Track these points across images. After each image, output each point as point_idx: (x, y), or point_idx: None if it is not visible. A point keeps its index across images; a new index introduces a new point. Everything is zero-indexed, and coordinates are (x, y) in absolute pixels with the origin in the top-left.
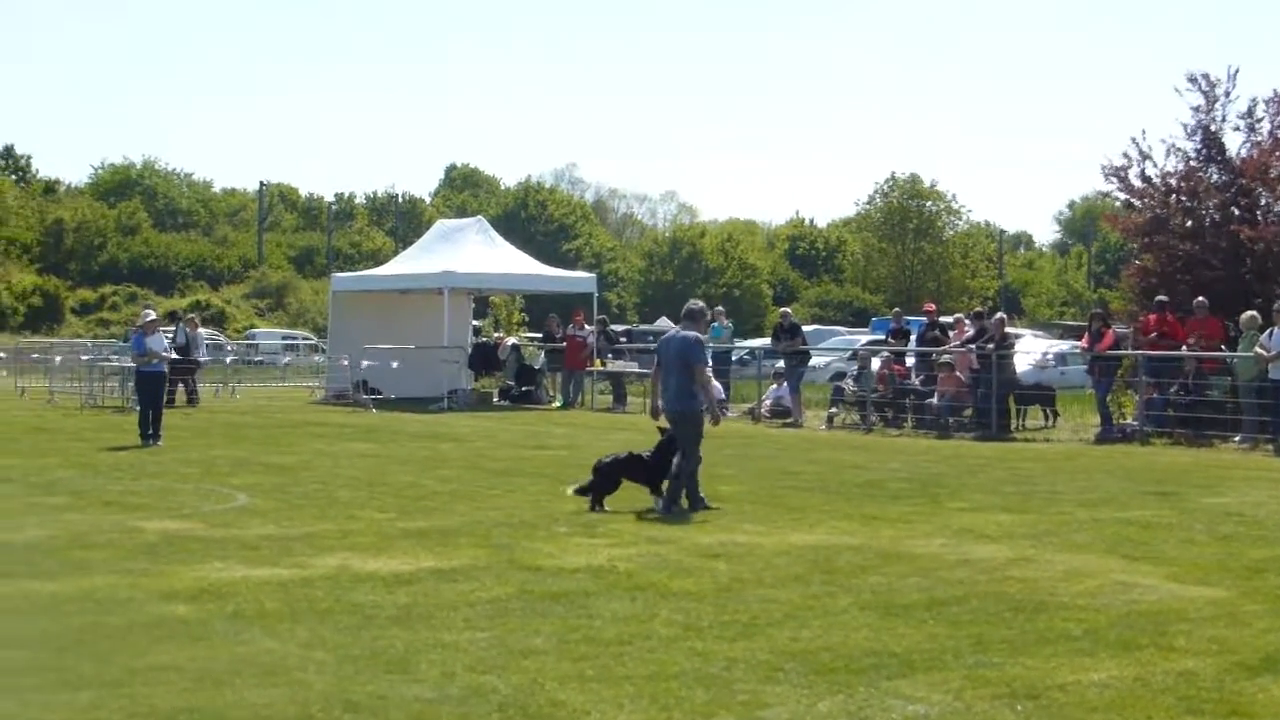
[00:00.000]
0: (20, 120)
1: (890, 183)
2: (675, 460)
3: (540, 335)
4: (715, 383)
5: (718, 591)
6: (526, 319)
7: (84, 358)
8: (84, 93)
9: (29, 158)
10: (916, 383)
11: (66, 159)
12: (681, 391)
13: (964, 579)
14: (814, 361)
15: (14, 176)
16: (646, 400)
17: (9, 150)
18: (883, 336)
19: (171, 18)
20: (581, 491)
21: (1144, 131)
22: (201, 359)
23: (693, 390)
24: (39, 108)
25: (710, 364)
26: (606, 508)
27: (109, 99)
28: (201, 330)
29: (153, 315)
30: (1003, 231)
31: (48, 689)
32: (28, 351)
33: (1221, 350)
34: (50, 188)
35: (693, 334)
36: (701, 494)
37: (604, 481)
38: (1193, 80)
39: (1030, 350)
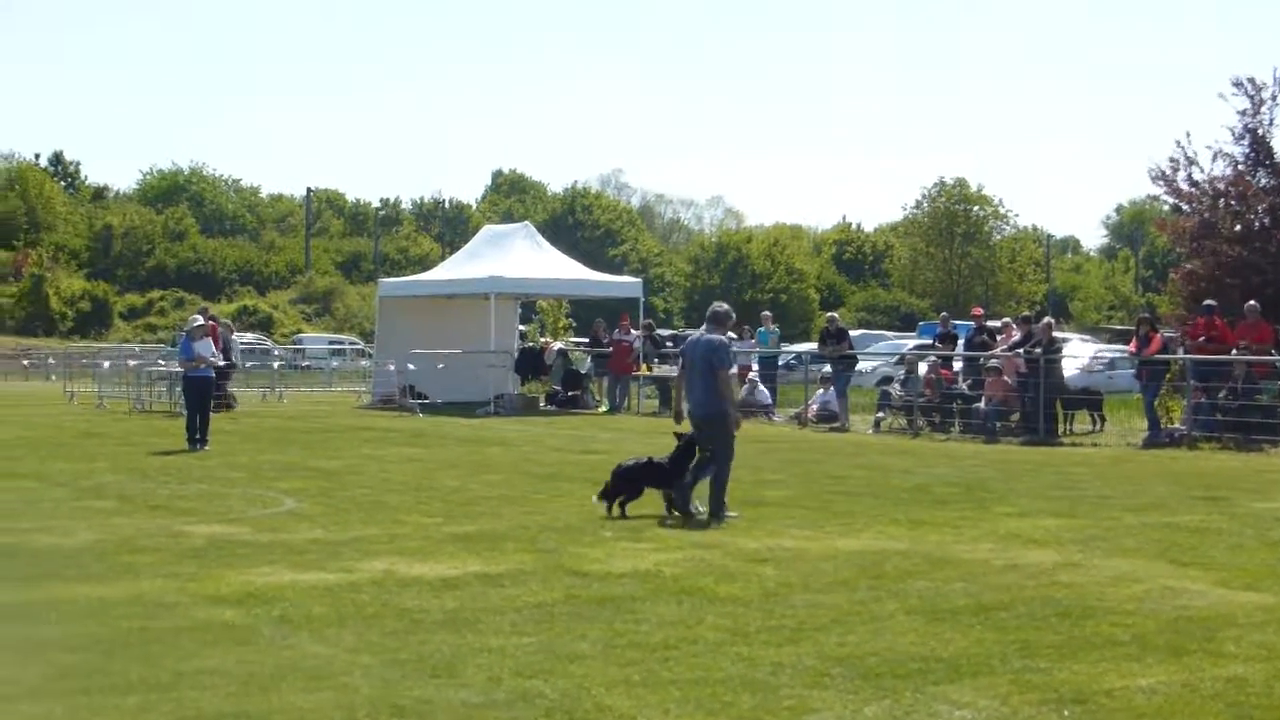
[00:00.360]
0: (69, 127)
1: (937, 187)
2: (692, 464)
3: (587, 340)
4: (762, 387)
5: (764, 596)
6: (573, 324)
7: (132, 362)
8: (132, 99)
9: (78, 164)
10: (964, 387)
11: (115, 165)
12: (708, 395)
13: (1011, 584)
14: (861, 366)
15: (63, 183)
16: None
17: (58, 157)
18: (930, 341)
19: (220, 24)
20: (604, 496)
21: (1188, 135)
22: (233, 363)
23: (719, 393)
24: (88, 114)
25: (736, 367)
26: (628, 514)
27: (157, 105)
28: (235, 335)
29: (201, 321)
30: (1050, 236)
31: (95, 692)
32: (77, 356)
33: (1271, 354)
34: (99, 194)
35: (718, 337)
36: (725, 502)
37: (625, 487)
38: (1238, 85)
39: (1078, 354)
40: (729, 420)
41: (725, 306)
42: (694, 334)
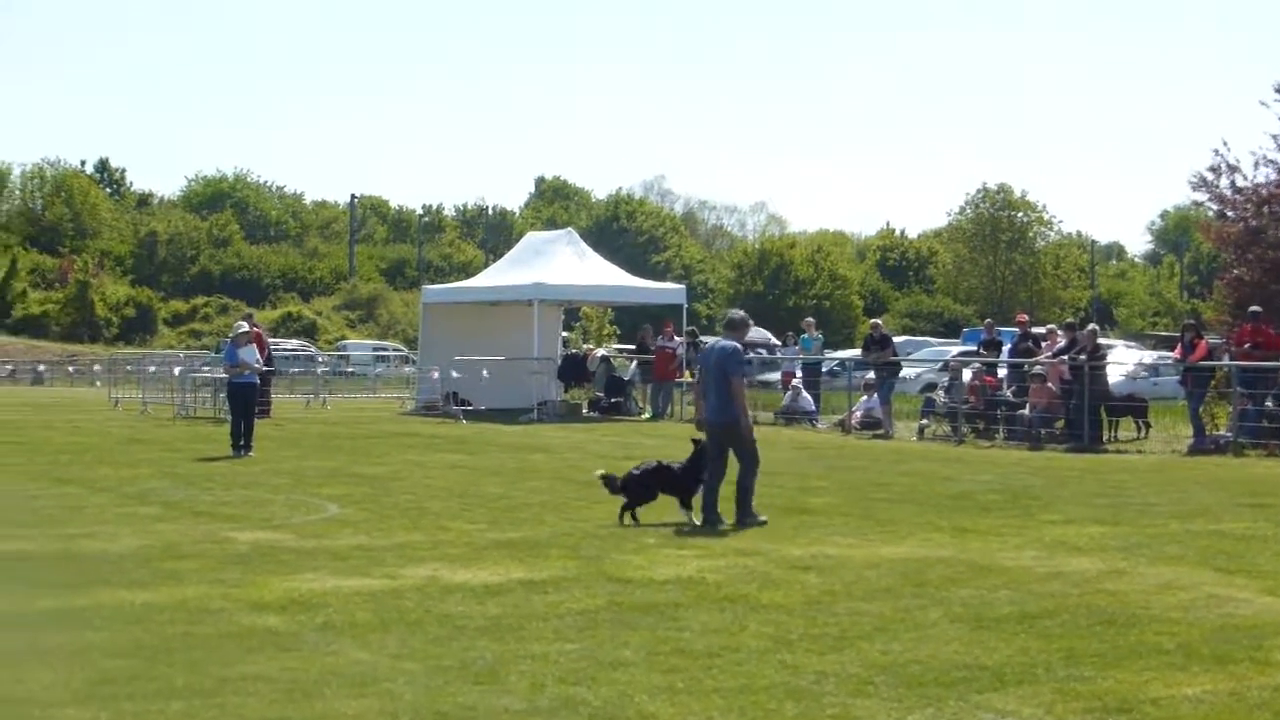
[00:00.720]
0: (115, 134)
1: (981, 193)
2: (707, 472)
3: (634, 347)
4: (805, 394)
5: (807, 604)
6: (617, 331)
7: (176, 369)
8: (177, 106)
9: (123, 170)
10: (1008, 394)
11: (160, 172)
12: (724, 402)
13: (1055, 592)
14: (904, 373)
15: (109, 189)
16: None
17: (104, 163)
18: (974, 347)
19: (264, 32)
20: (608, 480)
21: (1225, 143)
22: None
23: (727, 400)
24: (133, 121)
25: (746, 376)
26: (639, 519)
27: (202, 112)
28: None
29: (245, 327)
30: (1094, 242)
31: (140, 698)
32: (121, 362)
33: None
34: (144, 200)
35: (731, 344)
36: (754, 508)
37: (639, 491)
38: None
39: (1122, 361)
40: (742, 425)
41: (741, 313)
42: (710, 341)
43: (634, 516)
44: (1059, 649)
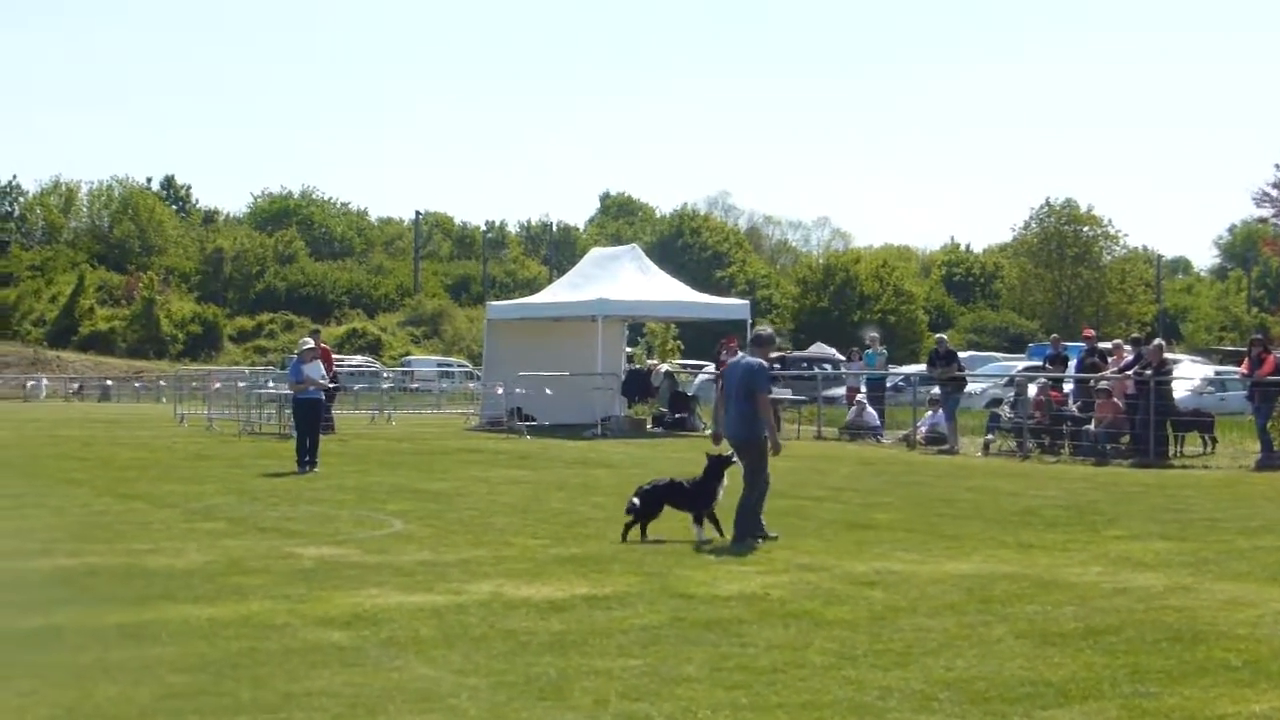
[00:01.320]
0: (181, 151)
1: (1046, 208)
2: (722, 489)
3: (700, 362)
4: (870, 409)
5: (872, 620)
6: (681, 346)
7: (241, 385)
8: (243, 123)
9: (189, 188)
10: (1073, 409)
11: (226, 189)
12: (744, 418)
13: (1121, 607)
14: (969, 388)
15: (175, 206)
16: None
17: (170, 180)
18: (1040, 362)
19: (328, 50)
20: (633, 515)
21: None
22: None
23: (756, 417)
24: (199, 139)
25: (773, 391)
26: (649, 536)
27: (268, 129)
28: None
29: (310, 344)
30: (1160, 256)
31: (206, 713)
32: (187, 379)
33: None
34: (209, 217)
35: (757, 360)
36: (764, 522)
37: (643, 508)
38: None
39: (1188, 376)
40: (763, 444)
41: (769, 330)
42: (736, 356)
43: (642, 532)
44: (1124, 665)
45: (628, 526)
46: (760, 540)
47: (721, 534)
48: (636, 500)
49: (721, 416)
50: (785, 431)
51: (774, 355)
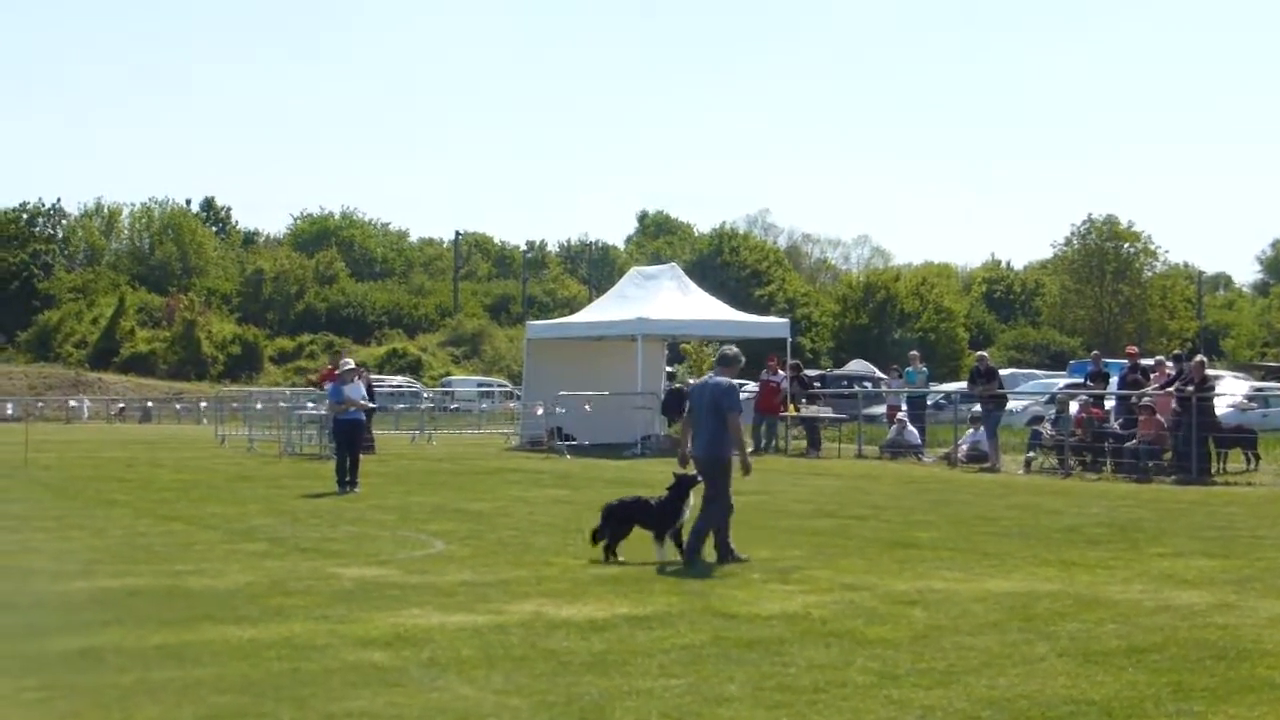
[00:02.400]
0: (221, 172)
1: (1087, 224)
2: (687, 508)
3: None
4: (911, 427)
5: (914, 639)
6: None
7: (282, 405)
8: (283, 145)
9: (229, 209)
10: (1115, 426)
11: (266, 210)
12: (715, 438)
13: (1164, 625)
14: (1010, 405)
15: (215, 228)
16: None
17: (210, 202)
18: (1080, 379)
19: (367, 71)
20: (598, 536)
21: None
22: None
23: (725, 437)
24: (239, 160)
25: (741, 410)
26: (620, 556)
27: (307, 151)
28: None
29: (351, 364)
30: (1201, 272)
31: None
32: (228, 400)
33: None
34: (250, 238)
35: (726, 380)
36: (732, 544)
37: (615, 526)
38: None
39: (1231, 392)
40: (729, 465)
41: (735, 349)
42: (704, 377)
43: (610, 552)
44: (1168, 683)
45: (605, 550)
46: (733, 561)
47: (681, 556)
48: (601, 518)
49: (689, 437)
50: (825, 450)
51: (814, 374)
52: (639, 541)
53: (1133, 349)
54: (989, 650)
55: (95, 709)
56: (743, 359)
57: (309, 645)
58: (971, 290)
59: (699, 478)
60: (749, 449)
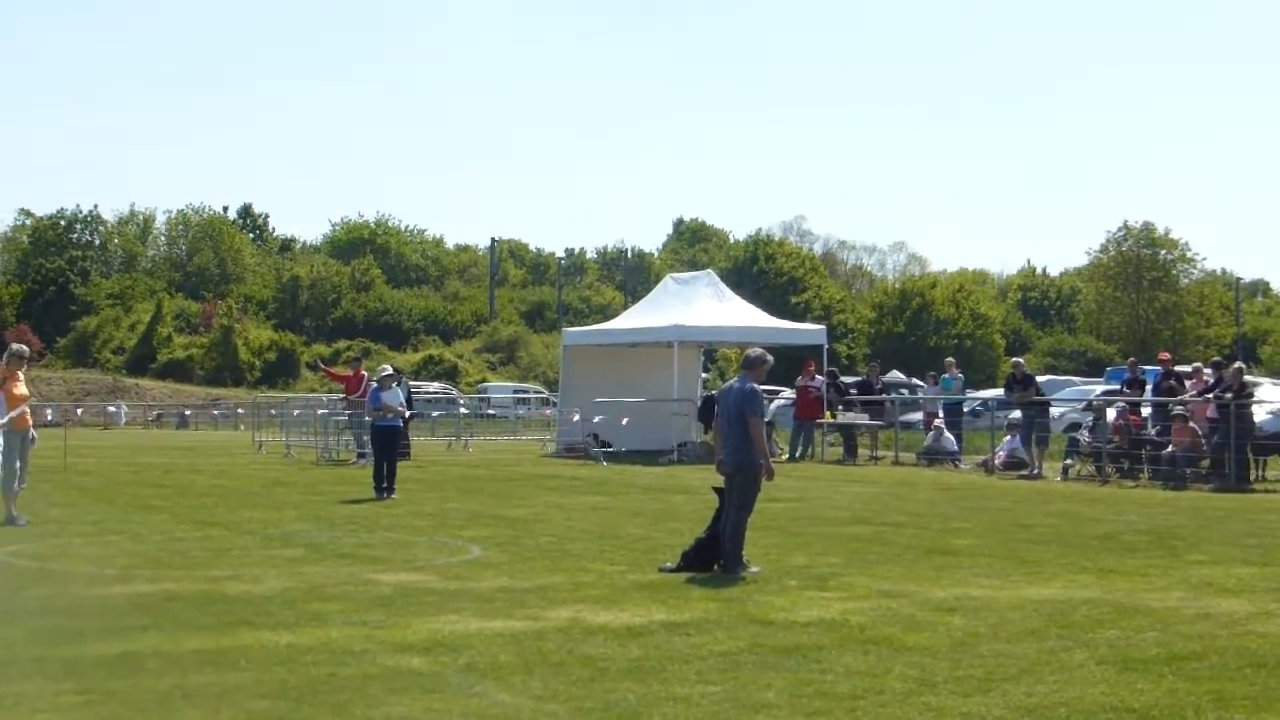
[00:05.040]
0: (258, 179)
1: (1123, 231)
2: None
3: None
4: (948, 434)
5: (952, 646)
6: None
7: (319, 412)
8: (320, 152)
9: (266, 216)
10: (1152, 433)
11: (303, 217)
12: (740, 444)
13: (1203, 633)
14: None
15: (252, 234)
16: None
17: (247, 209)
18: (1118, 386)
19: (404, 81)
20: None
21: None
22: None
23: (749, 443)
24: (276, 167)
25: (765, 415)
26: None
27: (344, 159)
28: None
29: (389, 370)
30: (1239, 279)
31: None
32: (265, 406)
33: None
34: (286, 245)
35: (750, 385)
36: (743, 556)
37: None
38: None
39: (1270, 399)
40: (756, 471)
41: (760, 351)
42: (728, 381)
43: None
44: (1208, 691)
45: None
46: (743, 572)
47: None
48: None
49: (719, 444)
50: (861, 457)
51: (850, 380)
52: (667, 549)
53: (1165, 355)
54: (1027, 657)
55: (133, 713)
56: (770, 360)
57: (347, 650)
58: (1008, 297)
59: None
60: (783, 456)
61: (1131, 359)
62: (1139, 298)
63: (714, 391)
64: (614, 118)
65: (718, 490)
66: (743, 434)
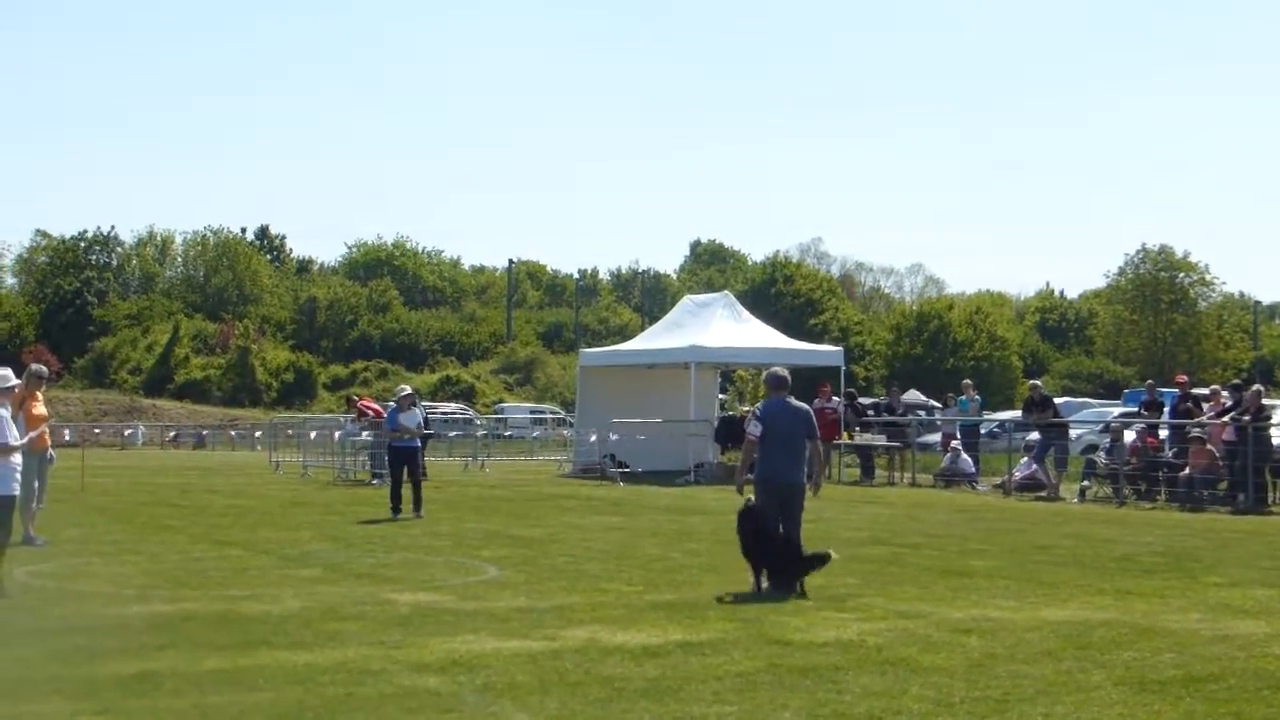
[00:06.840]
0: (275, 201)
1: (1141, 254)
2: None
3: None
4: (965, 455)
5: (969, 667)
6: None
7: (337, 433)
8: (338, 174)
9: (283, 237)
10: (1169, 455)
11: (320, 239)
12: (797, 463)
13: (1221, 655)
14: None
15: (269, 256)
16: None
17: (264, 230)
18: (1135, 409)
19: (422, 101)
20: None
21: None
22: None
23: (804, 463)
24: (293, 189)
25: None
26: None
27: (361, 180)
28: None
29: (408, 390)
30: (1258, 302)
31: None
32: (282, 426)
33: None
34: (304, 266)
35: (803, 405)
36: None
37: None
38: None
39: None
40: (804, 490)
41: (785, 370)
42: (773, 399)
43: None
44: (1226, 713)
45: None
46: (799, 595)
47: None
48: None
49: (756, 462)
50: (879, 478)
51: (869, 402)
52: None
53: (1182, 377)
54: (1044, 679)
55: None
56: (789, 379)
57: (364, 670)
58: (1025, 319)
59: (750, 502)
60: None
61: (1149, 381)
62: (1156, 320)
63: (733, 412)
64: (631, 139)
65: (750, 509)
66: (801, 453)
